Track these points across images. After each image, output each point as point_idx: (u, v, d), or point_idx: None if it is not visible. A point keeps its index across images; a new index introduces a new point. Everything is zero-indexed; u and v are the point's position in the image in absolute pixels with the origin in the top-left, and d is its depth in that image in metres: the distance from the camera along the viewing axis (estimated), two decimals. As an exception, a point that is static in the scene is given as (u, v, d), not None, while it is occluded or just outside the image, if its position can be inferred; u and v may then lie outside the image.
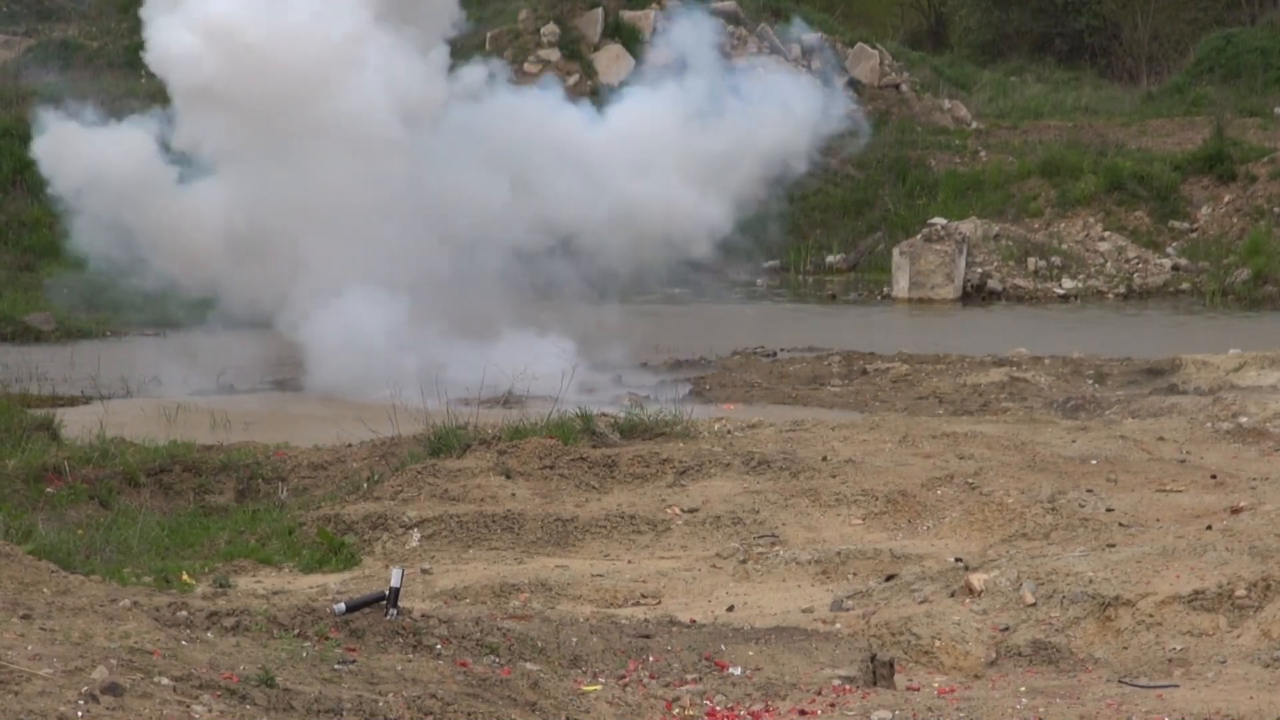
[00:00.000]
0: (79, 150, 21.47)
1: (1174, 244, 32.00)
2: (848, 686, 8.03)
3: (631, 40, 35.85)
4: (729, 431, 14.85)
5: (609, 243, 23.92)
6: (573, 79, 34.45)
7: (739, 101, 25.58)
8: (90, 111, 22.64)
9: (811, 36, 37.68)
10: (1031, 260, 30.23)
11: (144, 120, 22.12)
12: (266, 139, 20.91)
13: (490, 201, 22.13)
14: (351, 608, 7.85)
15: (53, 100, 24.12)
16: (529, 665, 7.82)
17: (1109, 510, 12.02)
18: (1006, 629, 9.30)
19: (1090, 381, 19.68)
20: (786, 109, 26.10)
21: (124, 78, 33.96)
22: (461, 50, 30.77)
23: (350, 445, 15.24)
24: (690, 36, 26.90)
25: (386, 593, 7.94)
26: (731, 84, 26.11)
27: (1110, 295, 29.88)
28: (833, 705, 7.75)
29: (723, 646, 8.48)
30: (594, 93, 31.34)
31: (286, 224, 20.92)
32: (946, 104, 38.55)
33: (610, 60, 35.68)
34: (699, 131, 24.61)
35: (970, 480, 12.82)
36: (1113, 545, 10.83)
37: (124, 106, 23.72)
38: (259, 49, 20.68)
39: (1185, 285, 30.18)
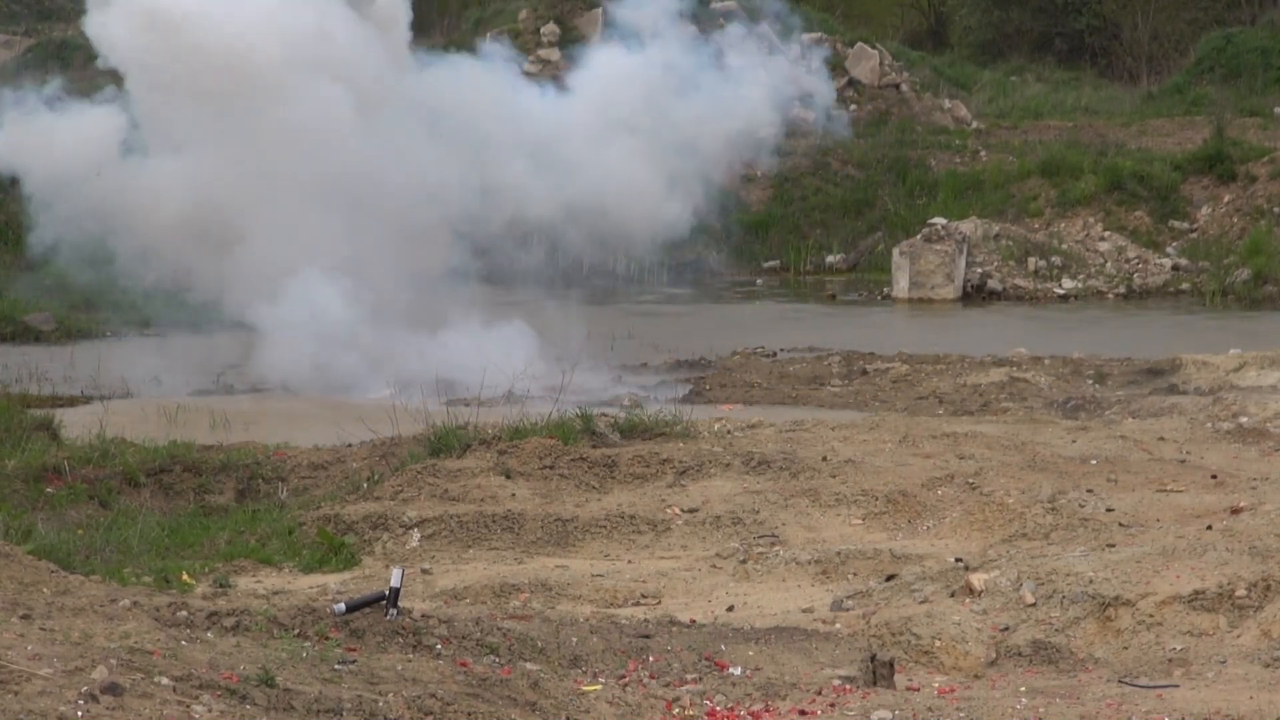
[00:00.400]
0: (38, 135, 21.30)
1: (1174, 244, 32.01)
2: (848, 686, 8.03)
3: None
4: (729, 431, 14.85)
5: (558, 219, 23.65)
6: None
7: (703, 79, 25.25)
8: (50, 94, 22.49)
9: (811, 36, 37.67)
10: (1031, 260, 30.24)
11: (108, 101, 21.92)
12: (218, 125, 20.75)
13: (443, 181, 21.85)
14: (351, 608, 7.85)
15: (10, 86, 23.93)
16: (529, 665, 7.82)
17: (1109, 510, 12.02)
18: (1006, 629, 9.30)
19: (1090, 381, 19.68)
20: (751, 88, 25.81)
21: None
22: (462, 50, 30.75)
23: (350, 445, 15.24)
24: (651, 15, 26.27)
25: (386, 593, 7.94)
26: (696, 63, 25.73)
27: (1110, 295, 29.89)
28: (833, 705, 7.75)
29: (723, 646, 8.48)
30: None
31: (240, 210, 20.77)
32: (946, 104, 38.56)
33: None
34: (654, 109, 24.24)
35: (970, 480, 12.82)
36: (1113, 545, 10.83)
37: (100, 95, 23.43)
38: (208, 36, 20.55)
39: (1185, 285, 30.19)
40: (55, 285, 24.87)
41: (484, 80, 24.03)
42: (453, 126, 22.48)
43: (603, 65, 25.15)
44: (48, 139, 21.26)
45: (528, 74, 30.22)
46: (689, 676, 8.05)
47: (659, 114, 24.24)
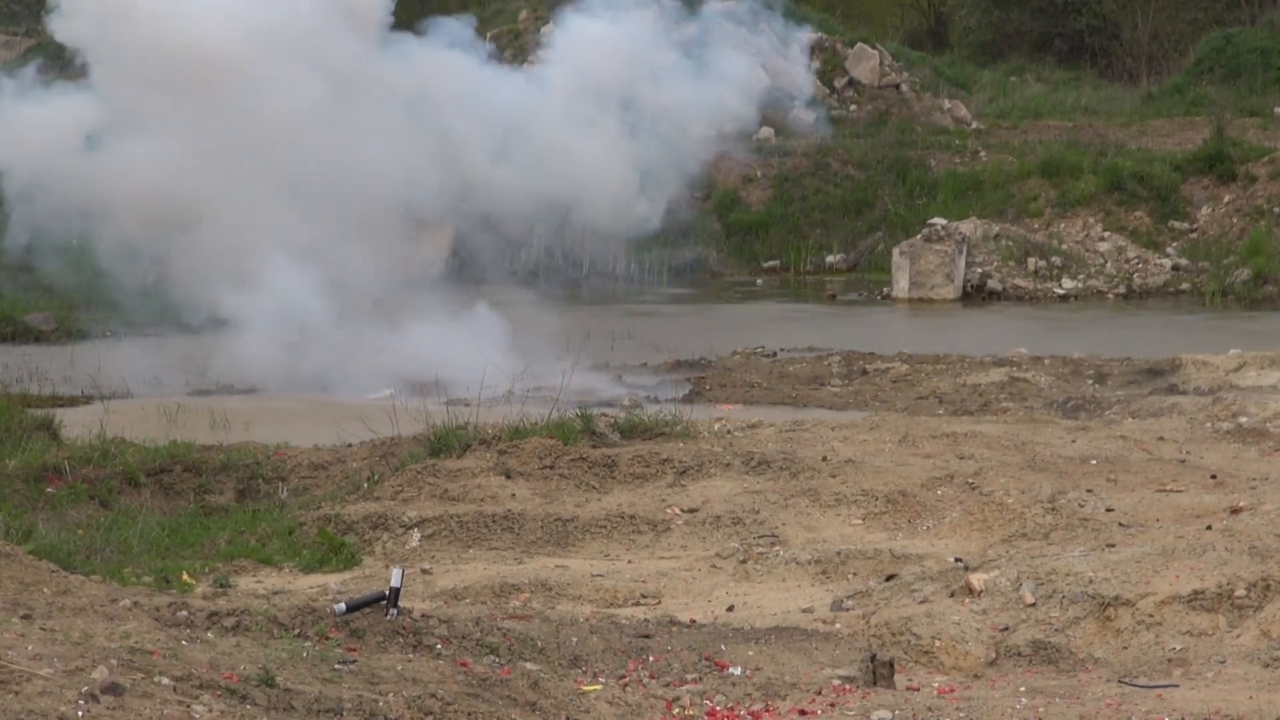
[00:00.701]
0: (9, 123, 21.11)
1: (1174, 244, 32.02)
2: (848, 686, 8.02)
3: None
4: (729, 431, 14.85)
5: (522, 205, 23.37)
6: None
7: (676, 65, 24.95)
8: (25, 81, 22.35)
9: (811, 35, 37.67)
10: (1031, 260, 30.24)
11: (85, 89, 21.76)
12: (184, 111, 20.58)
13: (411, 168, 21.58)
14: (352, 608, 7.84)
15: None
16: (529, 665, 7.82)
17: (1109, 510, 12.02)
18: (1006, 629, 9.30)
19: (1090, 381, 19.68)
20: (728, 75, 25.58)
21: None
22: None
23: (350, 445, 15.24)
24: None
25: (387, 593, 7.94)
26: (670, 48, 25.37)
27: (1110, 295, 29.89)
28: (833, 705, 7.75)
29: (723, 646, 8.48)
30: None
31: (208, 197, 20.59)
32: (946, 104, 38.56)
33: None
34: (624, 94, 23.89)
35: (970, 480, 12.82)
36: (1113, 545, 10.83)
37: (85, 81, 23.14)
38: (172, 19, 20.43)
39: (1185, 285, 30.20)
40: (53, 285, 24.84)
41: (451, 64, 23.37)
42: (421, 112, 22.19)
43: (572, 46, 24.61)
44: (19, 127, 21.06)
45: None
46: (689, 676, 8.05)
47: (629, 99, 23.97)
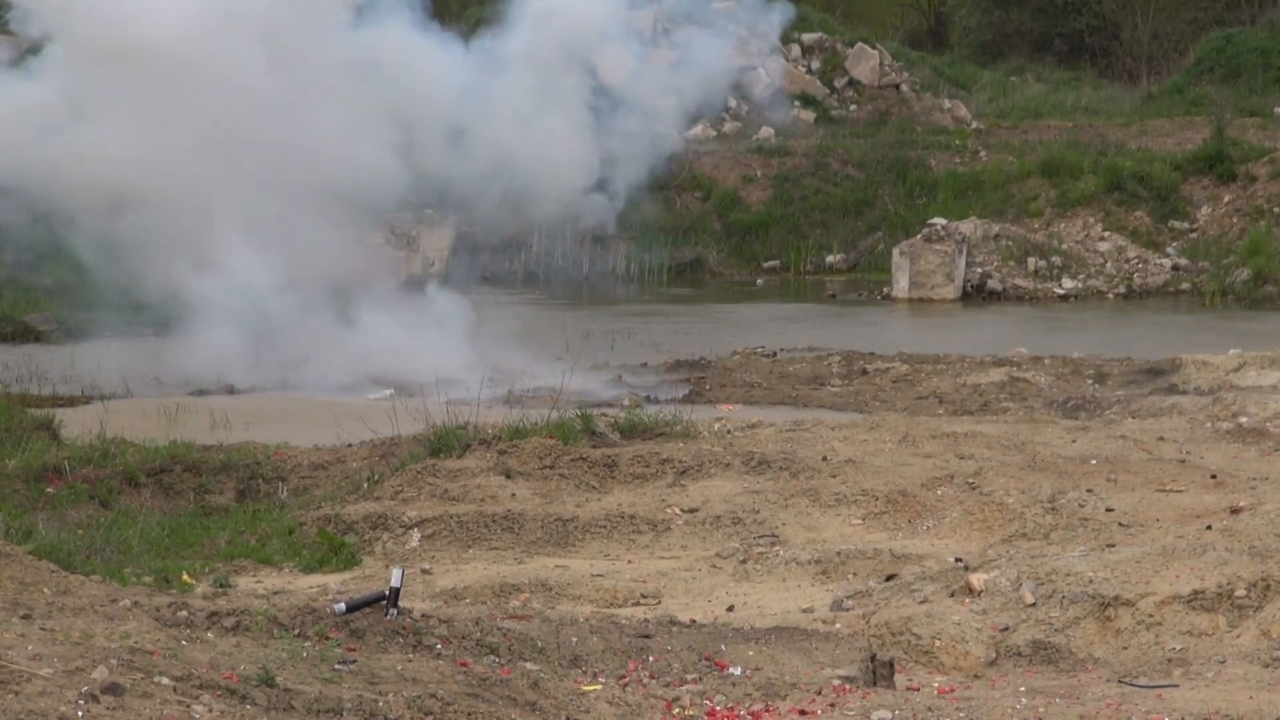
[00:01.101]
0: None
1: (1174, 244, 32.04)
2: (848, 686, 8.02)
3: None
4: (729, 431, 14.85)
5: (477, 185, 23.13)
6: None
7: (638, 47, 24.71)
8: None
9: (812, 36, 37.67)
10: (1031, 260, 30.25)
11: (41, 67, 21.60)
12: (140, 96, 20.42)
13: (367, 154, 21.37)
14: (352, 608, 7.84)
15: None
16: (529, 665, 7.82)
17: (1109, 510, 12.02)
18: (1006, 629, 9.30)
19: (1090, 381, 19.69)
20: (695, 64, 25.43)
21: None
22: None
23: (350, 445, 15.25)
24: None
25: (387, 593, 7.94)
26: (632, 30, 25.10)
27: (1110, 295, 29.90)
28: (833, 705, 7.75)
29: (723, 646, 8.47)
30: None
31: (162, 186, 20.48)
32: (946, 104, 38.57)
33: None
34: (583, 75, 23.59)
35: (970, 480, 12.82)
36: (1113, 545, 10.83)
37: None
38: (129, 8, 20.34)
39: (1185, 285, 30.21)
40: (37, 283, 24.80)
41: (403, 41, 22.64)
42: (374, 93, 21.91)
43: (531, 18, 24.16)
44: None
45: None
46: (689, 676, 8.05)
47: (594, 84, 23.80)
